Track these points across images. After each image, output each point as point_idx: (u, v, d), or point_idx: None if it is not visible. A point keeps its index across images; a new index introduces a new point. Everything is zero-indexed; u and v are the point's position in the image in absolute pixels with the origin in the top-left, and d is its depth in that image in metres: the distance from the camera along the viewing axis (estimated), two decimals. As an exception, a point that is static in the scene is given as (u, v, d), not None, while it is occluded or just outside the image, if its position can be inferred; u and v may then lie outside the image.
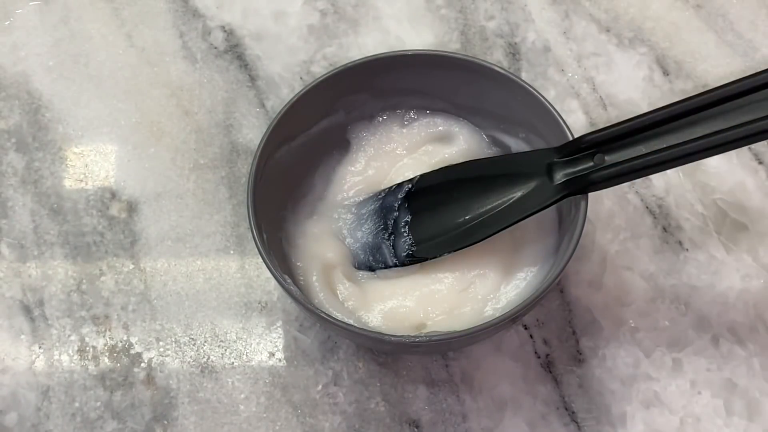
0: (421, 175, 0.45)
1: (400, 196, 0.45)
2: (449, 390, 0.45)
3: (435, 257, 0.43)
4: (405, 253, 0.44)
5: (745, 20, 0.57)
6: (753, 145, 0.52)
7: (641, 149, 0.37)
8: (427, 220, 0.44)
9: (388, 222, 0.45)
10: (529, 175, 0.40)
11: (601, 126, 0.44)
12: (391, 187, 0.45)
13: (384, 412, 0.45)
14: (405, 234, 0.44)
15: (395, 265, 0.44)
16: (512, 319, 0.38)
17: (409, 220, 0.44)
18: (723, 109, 0.35)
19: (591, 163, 0.39)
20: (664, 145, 0.36)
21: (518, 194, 0.41)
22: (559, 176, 0.39)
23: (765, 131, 0.33)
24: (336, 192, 0.47)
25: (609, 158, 0.38)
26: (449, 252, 0.43)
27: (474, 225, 0.42)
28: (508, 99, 0.45)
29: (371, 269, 0.45)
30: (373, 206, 0.46)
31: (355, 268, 0.45)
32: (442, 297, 0.43)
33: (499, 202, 0.41)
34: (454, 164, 0.44)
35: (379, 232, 0.45)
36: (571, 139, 0.41)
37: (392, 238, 0.44)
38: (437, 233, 0.43)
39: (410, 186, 0.45)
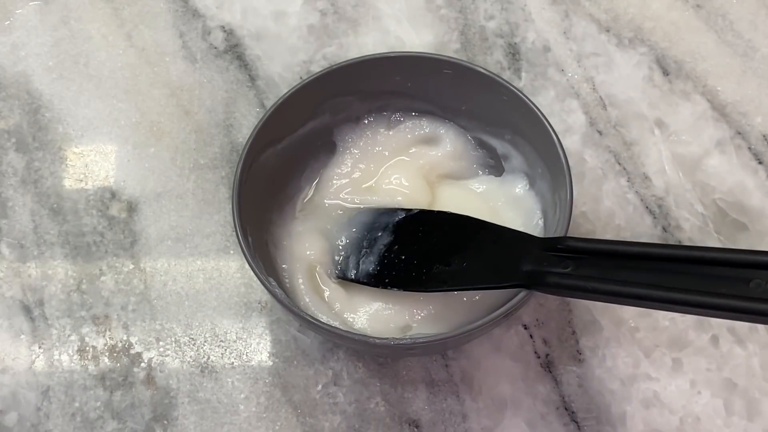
0: (421, 210, 0.45)
1: (394, 219, 0.44)
2: (449, 390, 0.45)
3: (387, 288, 0.42)
4: (366, 273, 0.43)
5: (745, 20, 0.57)
6: (753, 145, 0.52)
7: (610, 273, 0.35)
8: (400, 252, 0.43)
9: (370, 238, 0.44)
10: (508, 252, 0.39)
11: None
12: (392, 209, 0.45)
13: (384, 412, 0.45)
14: (377, 255, 0.44)
15: (352, 280, 0.44)
16: (496, 321, 0.38)
17: (388, 244, 0.44)
18: (705, 271, 0.33)
19: (558, 266, 0.37)
20: (633, 279, 0.34)
21: (489, 264, 0.40)
22: (527, 265, 0.37)
23: (734, 310, 0.31)
24: (322, 194, 0.47)
25: (576, 268, 0.36)
26: (402, 290, 0.42)
27: (434, 275, 0.41)
28: (493, 101, 0.45)
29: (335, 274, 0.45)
30: (367, 218, 0.45)
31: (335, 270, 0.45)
32: (426, 299, 0.43)
33: (469, 264, 0.41)
34: (452, 212, 0.43)
35: (357, 243, 0.45)
36: (557, 145, 0.41)
37: (365, 254, 0.44)
38: (402, 267, 0.43)
39: (406, 214, 0.44)
